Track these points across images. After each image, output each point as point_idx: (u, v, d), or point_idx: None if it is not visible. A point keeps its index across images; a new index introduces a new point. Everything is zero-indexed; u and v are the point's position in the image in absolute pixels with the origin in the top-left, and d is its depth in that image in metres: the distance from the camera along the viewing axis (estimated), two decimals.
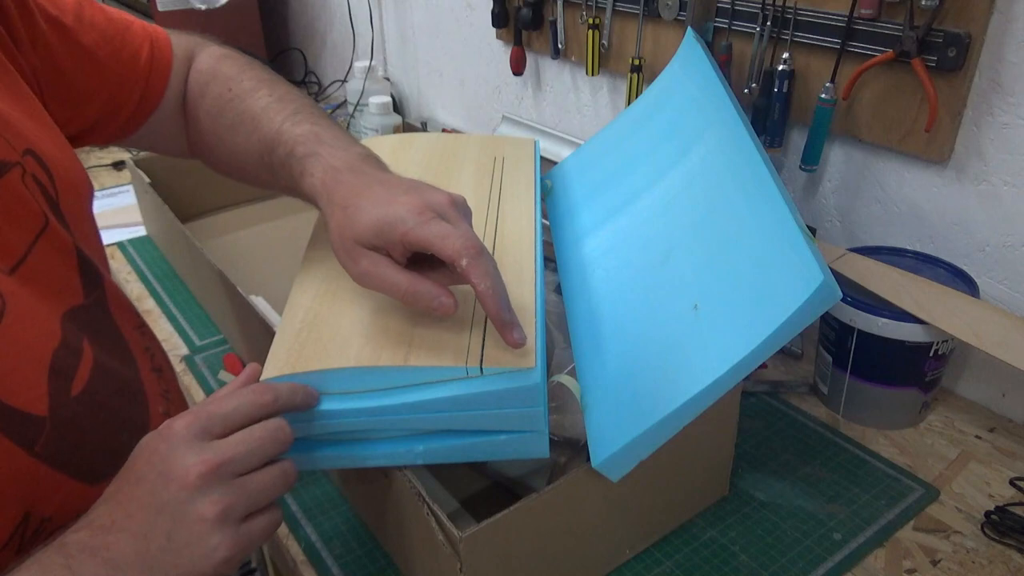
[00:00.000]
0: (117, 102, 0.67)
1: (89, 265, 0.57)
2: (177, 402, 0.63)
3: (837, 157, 0.87)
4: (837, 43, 0.80)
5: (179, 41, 0.71)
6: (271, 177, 0.64)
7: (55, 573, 0.40)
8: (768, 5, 0.84)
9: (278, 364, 0.53)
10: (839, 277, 0.75)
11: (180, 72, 0.70)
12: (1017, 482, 0.70)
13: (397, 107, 1.54)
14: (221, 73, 0.69)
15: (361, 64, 1.49)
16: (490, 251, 0.64)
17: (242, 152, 0.65)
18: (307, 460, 0.53)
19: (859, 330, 0.72)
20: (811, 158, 0.85)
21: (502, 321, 0.49)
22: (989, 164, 0.74)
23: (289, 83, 0.70)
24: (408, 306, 0.52)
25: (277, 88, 0.67)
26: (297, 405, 0.49)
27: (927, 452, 0.74)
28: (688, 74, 0.78)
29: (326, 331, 0.55)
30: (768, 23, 0.85)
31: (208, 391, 0.85)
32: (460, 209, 0.53)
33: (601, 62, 1.08)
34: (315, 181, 0.56)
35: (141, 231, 1.20)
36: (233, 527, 0.43)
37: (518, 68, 1.24)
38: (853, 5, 0.77)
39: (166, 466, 0.43)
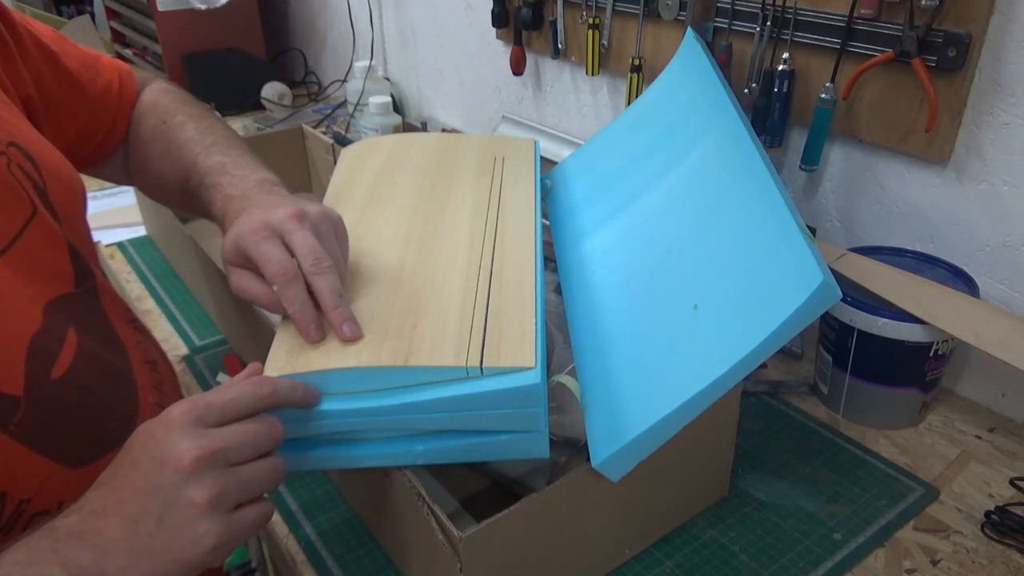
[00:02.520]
0: (91, 127, 0.70)
1: (80, 258, 0.57)
2: (172, 395, 0.63)
3: (837, 157, 0.87)
4: (837, 43, 0.80)
5: (137, 75, 0.76)
6: (192, 204, 0.69)
7: (42, 556, 0.40)
8: (768, 5, 0.84)
9: (278, 364, 0.53)
10: (839, 277, 0.75)
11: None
12: (1017, 482, 0.70)
13: (397, 107, 1.54)
14: (160, 105, 0.74)
15: (361, 64, 1.49)
16: (490, 251, 0.64)
17: (168, 181, 0.71)
18: (307, 460, 0.53)
19: (859, 330, 0.72)
20: (811, 158, 0.85)
21: (311, 339, 0.54)
22: (989, 164, 0.74)
23: (219, 119, 0.75)
24: (275, 313, 0.57)
25: (203, 123, 0.72)
26: (296, 402, 0.50)
27: (927, 452, 0.74)
28: (688, 74, 0.78)
29: (327, 331, 0.55)
30: (768, 23, 0.85)
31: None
32: (305, 220, 0.56)
33: (601, 62, 1.08)
34: (215, 211, 0.64)
35: (141, 231, 1.20)
36: (223, 515, 0.44)
37: (518, 68, 1.24)
38: (853, 5, 0.77)
39: (161, 451, 0.43)
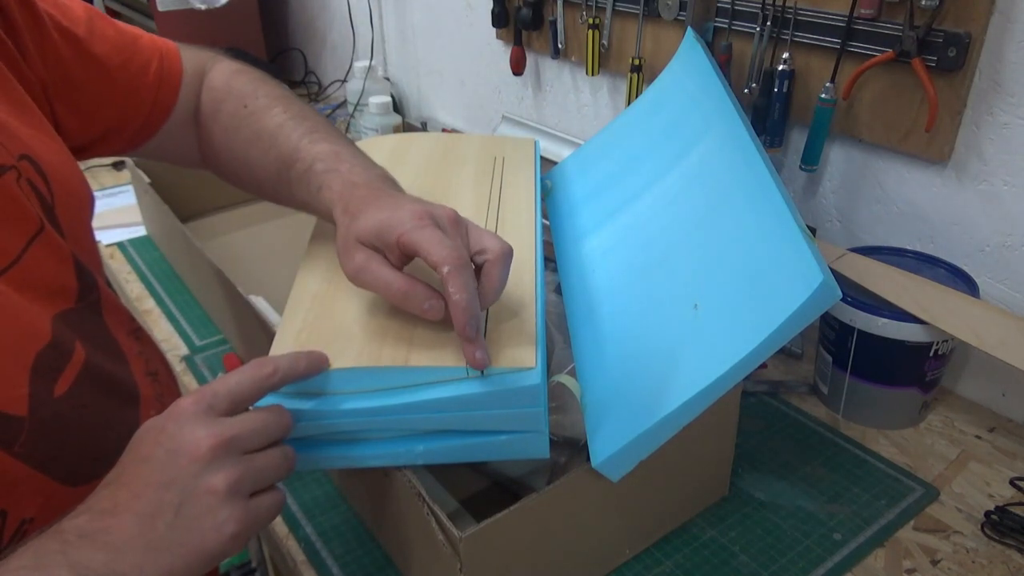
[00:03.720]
0: (127, 113, 0.67)
1: (84, 270, 0.57)
2: None
3: (837, 157, 0.87)
4: (837, 43, 0.80)
5: (190, 55, 0.72)
6: (287, 192, 0.65)
7: (50, 559, 0.39)
8: (768, 5, 0.84)
9: None
10: (839, 277, 0.75)
11: (192, 86, 0.71)
12: (1017, 482, 0.70)
13: (397, 107, 1.54)
14: (235, 89, 0.70)
15: (361, 64, 1.49)
16: None
17: (258, 167, 0.67)
18: (307, 460, 0.53)
19: (859, 330, 0.72)
20: (811, 158, 0.85)
21: (466, 336, 0.49)
22: (989, 164, 0.74)
23: (300, 99, 0.71)
24: (399, 306, 0.52)
25: (292, 106, 0.68)
26: (301, 373, 0.49)
27: (927, 452, 0.74)
28: (688, 74, 0.78)
29: (327, 331, 0.55)
30: (768, 23, 0.85)
31: None
32: (460, 226, 0.53)
33: (601, 62, 1.08)
34: (333, 195, 0.58)
35: (141, 231, 1.20)
36: (242, 501, 0.43)
37: (518, 68, 1.24)
38: (853, 5, 0.77)
39: (175, 442, 0.43)
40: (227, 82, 0.71)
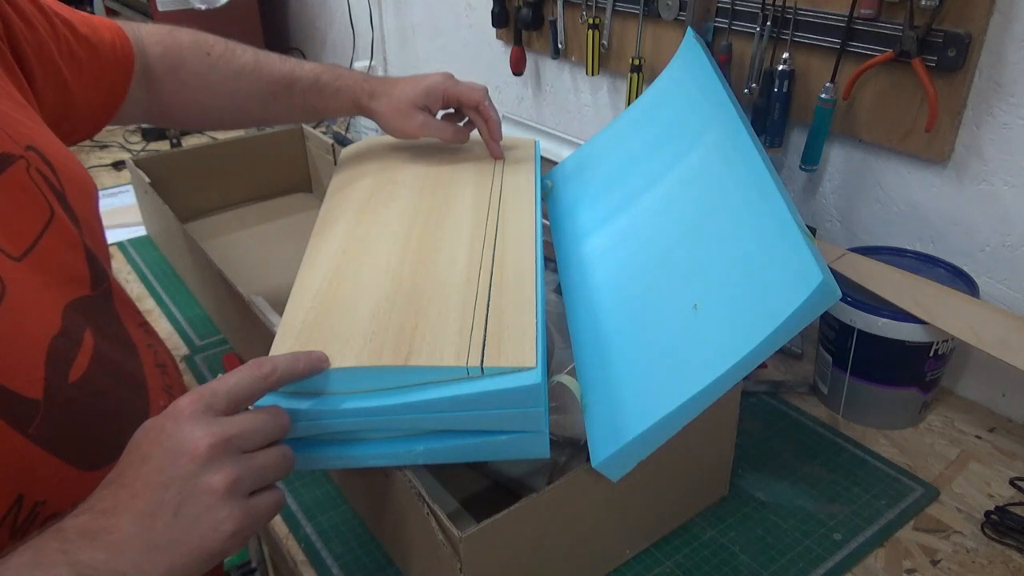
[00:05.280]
0: (116, 83, 0.73)
1: (96, 260, 0.58)
2: None
3: (837, 157, 0.87)
4: (837, 43, 0.80)
5: (126, 26, 0.79)
6: (286, 107, 0.82)
7: (50, 558, 0.39)
8: (768, 5, 0.84)
9: None
10: (839, 277, 0.75)
11: (136, 51, 0.78)
12: (1017, 482, 0.70)
13: None
14: (185, 43, 0.80)
15: (361, 64, 1.49)
16: (491, 251, 0.65)
17: (245, 96, 0.81)
18: (308, 460, 0.53)
19: (859, 330, 0.72)
20: (811, 158, 0.85)
21: (497, 138, 0.81)
22: (989, 164, 0.74)
23: None
24: (449, 140, 0.80)
25: (247, 47, 0.82)
26: (300, 372, 0.49)
27: (927, 452, 0.74)
28: (688, 74, 0.78)
29: (327, 331, 0.55)
30: (768, 23, 0.85)
31: None
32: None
33: (601, 62, 1.08)
34: (353, 93, 0.80)
35: (141, 231, 1.20)
36: (241, 500, 0.44)
37: (518, 68, 1.24)
38: (853, 5, 0.77)
39: (174, 442, 0.43)
40: (173, 40, 0.80)
